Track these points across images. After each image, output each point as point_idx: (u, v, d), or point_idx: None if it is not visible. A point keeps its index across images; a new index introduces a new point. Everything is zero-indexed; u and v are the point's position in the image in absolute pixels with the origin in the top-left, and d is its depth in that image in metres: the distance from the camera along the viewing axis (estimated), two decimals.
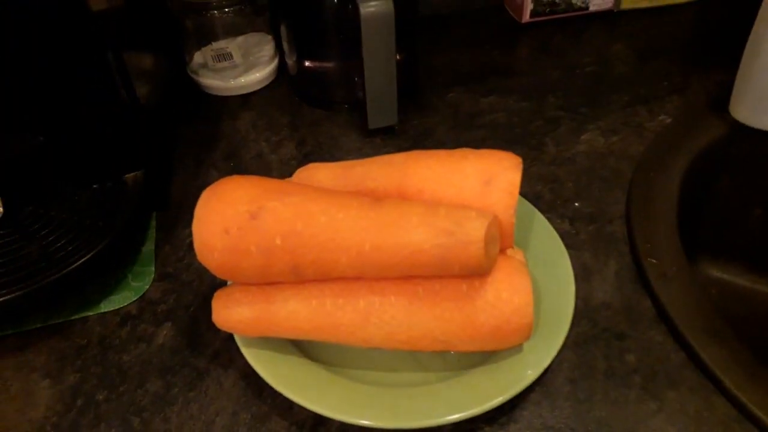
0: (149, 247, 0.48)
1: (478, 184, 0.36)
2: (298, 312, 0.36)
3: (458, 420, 0.34)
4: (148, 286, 0.45)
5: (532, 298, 0.34)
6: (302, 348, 0.39)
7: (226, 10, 0.58)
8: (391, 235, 0.33)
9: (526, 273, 0.35)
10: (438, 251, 0.33)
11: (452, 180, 0.37)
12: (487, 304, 0.34)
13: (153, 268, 0.46)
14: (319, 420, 0.37)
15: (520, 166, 0.37)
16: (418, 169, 0.38)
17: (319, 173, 0.40)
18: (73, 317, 0.43)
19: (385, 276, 0.35)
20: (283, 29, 0.61)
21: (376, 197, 0.36)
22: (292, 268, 0.34)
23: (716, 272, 0.62)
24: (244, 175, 0.37)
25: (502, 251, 0.37)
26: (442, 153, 0.38)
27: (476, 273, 0.34)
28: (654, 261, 0.44)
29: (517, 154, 0.54)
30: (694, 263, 0.62)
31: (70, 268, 0.40)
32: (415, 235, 0.33)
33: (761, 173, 0.57)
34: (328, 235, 0.33)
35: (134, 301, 0.44)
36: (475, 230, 0.32)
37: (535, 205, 0.47)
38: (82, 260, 0.40)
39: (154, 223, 0.50)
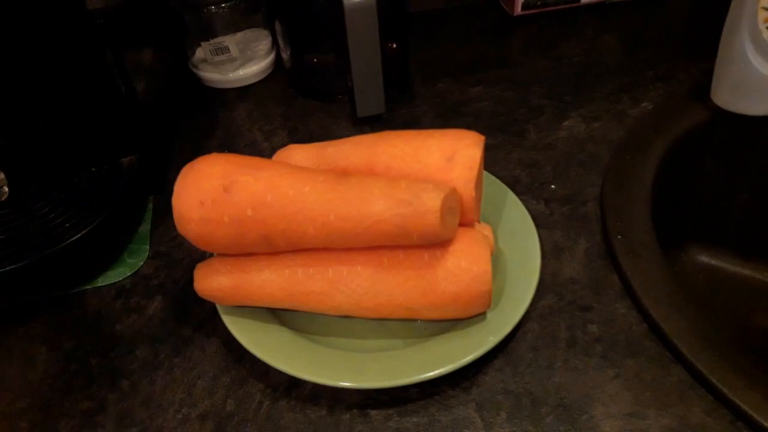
0: (145, 227, 0.51)
1: (441, 160, 0.38)
2: (271, 281, 0.38)
3: (422, 380, 0.36)
4: (142, 263, 0.48)
5: (490, 267, 0.36)
6: (279, 317, 0.41)
7: (223, 5, 0.61)
8: (354, 207, 0.35)
9: (485, 244, 0.37)
10: (398, 220, 0.35)
11: (417, 157, 0.39)
12: (448, 272, 0.36)
13: (147, 247, 0.49)
14: (294, 383, 0.39)
15: (482, 144, 0.39)
16: (386, 148, 0.40)
17: (296, 154, 0.43)
18: (71, 290, 0.46)
19: (351, 246, 0.37)
20: (277, 25, 0.64)
21: (343, 173, 0.38)
22: (263, 237, 0.37)
23: (704, 258, 0.63)
24: (221, 153, 0.39)
25: (468, 225, 0.39)
26: (409, 132, 0.41)
27: (434, 241, 0.36)
28: (622, 238, 0.45)
29: (499, 140, 0.56)
30: (681, 250, 0.63)
31: (67, 242, 0.43)
32: (376, 205, 0.35)
33: (744, 159, 0.58)
34: (295, 206, 0.36)
35: (129, 276, 0.47)
36: (431, 200, 0.34)
37: (512, 188, 0.48)
38: (78, 235, 0.43)
39: (150, 205, 0.53)
